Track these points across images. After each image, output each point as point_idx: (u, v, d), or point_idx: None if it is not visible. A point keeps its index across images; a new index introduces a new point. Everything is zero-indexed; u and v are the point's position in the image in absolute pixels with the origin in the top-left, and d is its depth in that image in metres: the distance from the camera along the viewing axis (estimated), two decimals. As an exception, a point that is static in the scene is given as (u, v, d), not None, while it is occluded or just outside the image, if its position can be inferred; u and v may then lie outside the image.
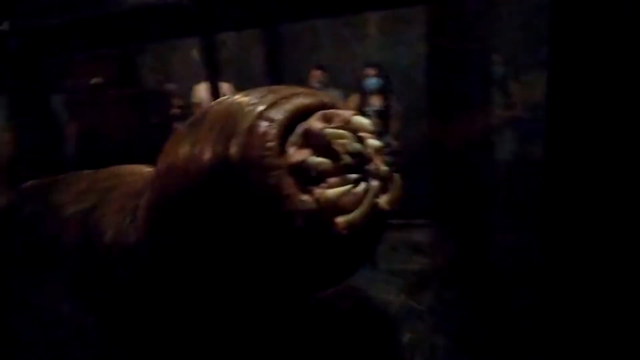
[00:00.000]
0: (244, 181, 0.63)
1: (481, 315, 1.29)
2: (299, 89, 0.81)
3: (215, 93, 2.72)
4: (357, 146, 0.64)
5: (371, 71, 3.14)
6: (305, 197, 0.61)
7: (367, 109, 3.14)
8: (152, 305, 1.24)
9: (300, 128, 0.66)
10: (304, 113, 0.68)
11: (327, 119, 0.66)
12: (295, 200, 0.61)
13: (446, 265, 1.56)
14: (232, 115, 0.70)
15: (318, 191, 0.61)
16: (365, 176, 0.64)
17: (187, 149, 0.76)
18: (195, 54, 4.13)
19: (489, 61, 1.84)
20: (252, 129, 0.65)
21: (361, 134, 0.65)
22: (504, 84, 2.94)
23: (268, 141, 0.63)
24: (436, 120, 1.92)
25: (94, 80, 4.05)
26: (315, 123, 0.66)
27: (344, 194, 0.61)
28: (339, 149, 0.63)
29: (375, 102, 3.13)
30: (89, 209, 1.57)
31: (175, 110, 4.23)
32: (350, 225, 0.59)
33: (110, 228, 1.28)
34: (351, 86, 4.00)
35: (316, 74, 3.55)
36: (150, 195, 0.92)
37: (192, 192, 0.73)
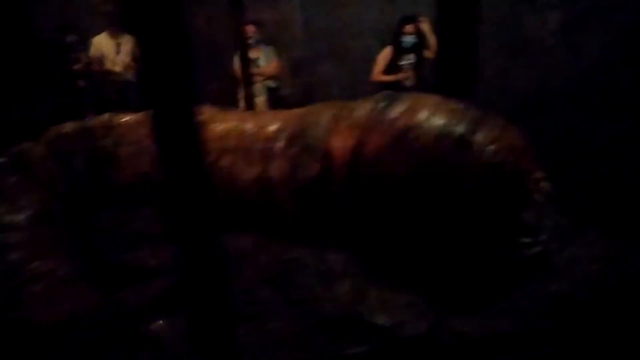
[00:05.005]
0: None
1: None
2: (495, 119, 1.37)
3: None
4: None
5: (409, 28, 3.14)
6: None
7: (402, 62, 3.20)
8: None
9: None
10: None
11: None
12: None
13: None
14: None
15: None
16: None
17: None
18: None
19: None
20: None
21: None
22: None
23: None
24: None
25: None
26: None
27: None
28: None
29: (410, 57, 3.21)
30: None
31: (80, 66, 3.63)
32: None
33: (283, 160, 1.64)
34: (281, 44, 3.79)
35: (250, 30, 3.35)
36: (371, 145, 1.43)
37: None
